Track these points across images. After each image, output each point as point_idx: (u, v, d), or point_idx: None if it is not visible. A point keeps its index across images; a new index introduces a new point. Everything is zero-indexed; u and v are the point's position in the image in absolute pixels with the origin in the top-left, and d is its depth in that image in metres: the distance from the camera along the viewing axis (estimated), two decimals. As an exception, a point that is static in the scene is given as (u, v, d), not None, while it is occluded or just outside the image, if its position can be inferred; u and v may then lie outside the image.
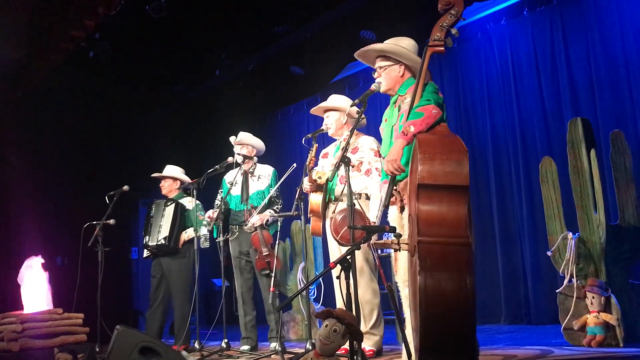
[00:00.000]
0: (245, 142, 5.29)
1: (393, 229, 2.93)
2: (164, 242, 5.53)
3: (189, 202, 5.69)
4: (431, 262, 2.47)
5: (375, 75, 3.40)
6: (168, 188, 5.88)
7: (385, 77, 3.36)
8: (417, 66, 3.25)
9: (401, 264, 3.20)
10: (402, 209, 3.21)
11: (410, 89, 3.24)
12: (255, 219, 4.99)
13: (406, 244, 2.83)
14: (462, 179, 2.60)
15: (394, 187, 3.08)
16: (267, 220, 5.02)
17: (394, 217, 3.27)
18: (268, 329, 5.15)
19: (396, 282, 3.37)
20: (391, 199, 3.10)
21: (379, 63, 3.39)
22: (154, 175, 5.95)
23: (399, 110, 3.26)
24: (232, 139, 5.31)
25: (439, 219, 2.56)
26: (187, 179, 5.86)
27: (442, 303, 2.43)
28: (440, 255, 2.49)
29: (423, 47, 3.04)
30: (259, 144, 5.38)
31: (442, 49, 2.95)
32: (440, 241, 2.51)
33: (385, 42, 3.42)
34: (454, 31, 2.94)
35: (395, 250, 2.88)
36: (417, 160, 2.64)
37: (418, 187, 2.59)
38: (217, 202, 5.30)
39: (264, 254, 4.92)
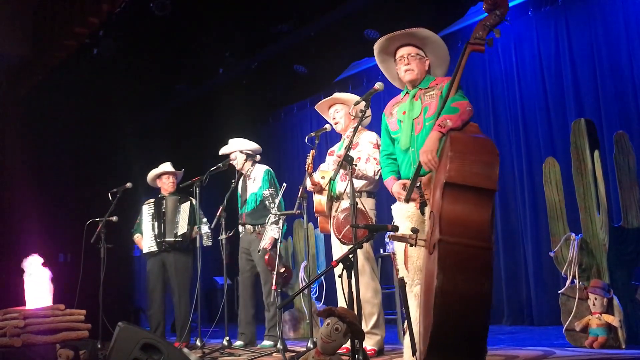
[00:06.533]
0: (235, 151, 5.31)
1: (395, 228, 2.91)
2: (181, 238, 5.56)
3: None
4: (450, 262, 2.42)
5: (406, 62, 3.30)
6: (171, 185, 5.88)
7: (418, 65, 3.31)
8: (437, 64, 3.35)
9: (415, 261, 3.12)
10: (421, 205, 3.14)
11: (432, 84, 3.27)
12: (266, 242, 4.91)
13: (424, 240, 2.76)
14: (491, 183, 2.54)
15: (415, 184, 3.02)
16: (275, 240, 4.90)
17: (411, 213, 3.19)
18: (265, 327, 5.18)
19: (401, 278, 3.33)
20: (411, 195, 3.05)
21: (409, 50, 3.31)
22: (163, 171, 5.89)
23: (421, 104, 3.25)
24: (232, 144, 5.33)
25: (462, 220, 2.49)
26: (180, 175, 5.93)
27: (457, 304, 2.39)
28: (460, 257, 2.44)
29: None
30: (254, 146, 5.38)
31: (483, 48, 2.85)
32: (462, 242, 2.45)
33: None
34: (496, 32, 2.83)
35: (411, 245, 2.82)
36: (447, 157, 2.58)
37: (445, 185, 2.54)
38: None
39: (281, 271, 4.67)
